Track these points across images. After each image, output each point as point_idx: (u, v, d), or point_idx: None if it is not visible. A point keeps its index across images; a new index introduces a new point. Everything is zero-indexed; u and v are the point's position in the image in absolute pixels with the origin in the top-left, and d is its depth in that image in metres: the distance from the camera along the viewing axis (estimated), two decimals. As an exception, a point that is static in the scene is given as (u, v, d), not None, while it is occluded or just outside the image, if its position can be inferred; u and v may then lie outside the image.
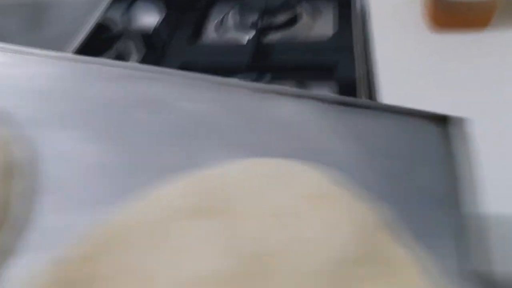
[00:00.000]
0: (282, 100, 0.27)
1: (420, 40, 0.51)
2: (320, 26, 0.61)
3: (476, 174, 0.23)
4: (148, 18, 0.66)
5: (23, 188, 0.23)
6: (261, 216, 0.21)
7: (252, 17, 0.61)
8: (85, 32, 0.60)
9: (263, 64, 0.54)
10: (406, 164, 0.24)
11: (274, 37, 0.59)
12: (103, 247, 0.20)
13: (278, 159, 0.23)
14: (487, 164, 0.26)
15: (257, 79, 0.51)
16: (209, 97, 0.27)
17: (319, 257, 0.19)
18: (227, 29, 0.63)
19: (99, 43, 0.60)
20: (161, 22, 0.63)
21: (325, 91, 0.49)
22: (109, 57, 0.58)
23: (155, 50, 0.59)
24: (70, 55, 0.31)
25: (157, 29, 0.62)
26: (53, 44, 0.63)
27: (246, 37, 0.59)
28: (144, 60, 0.58)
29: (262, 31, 0.59)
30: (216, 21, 0.65)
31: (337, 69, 0.50)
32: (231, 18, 0.64)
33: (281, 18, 0.61)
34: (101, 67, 0.30)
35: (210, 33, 0.63)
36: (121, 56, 0.59)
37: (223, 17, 0.65)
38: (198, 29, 0.63)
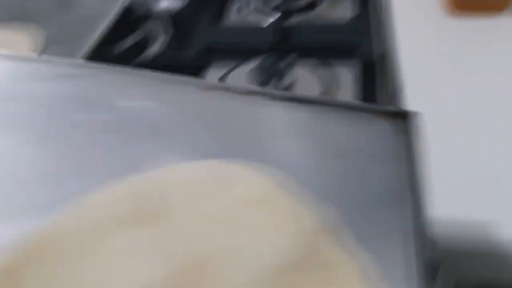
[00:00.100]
0: (230, 98, 0.26)
1: (438, 24, 0.53)
2: (340, 9, 0.63)
3: (426, 172, 0.22)
4: (173, 1, 0.68)
5: None
6: (198, 223, 0.20)
7: (275, 1, 0.63)
8: (113, 14, 0.63)
9: (285, 45, 0.56)
10: (359, 163, 0.23)
11: (294, 20, 0.61)
12: (28, 260, 0.19)
13: (221, 161, 0.22)
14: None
15: (281, 59, 0.53)
16: (152, 95, 0.26)
17: (257, 265, 0.19)
18: (249, 11, 0.65)
19: (126, 25, 0.63)
20: (186, 5, 0.65)
21: (347, 70, 0.51)
22: (136, 39, 0.61)
23: (179, 32, 0.62)
24: (4, 52, 0.29)
25: (182, 11, 0.64)
26: (82, 25, 0.66)
27: (267, 19, 0.61)
28: (170, 42, 0.60)
29: (284, 14, 0.61)
30: (238, 4, 0.67)
31: (357, 49, 0.53)
32: (253, 1, 0.66)
33: (302, 1, 0.63)
34: (38, 66, 0.28)
35: (233, 15, 0.65)
36: (147, 38, 0.62)
37: (246, 0, 0.67)
38: (221, 12, 0.65)
